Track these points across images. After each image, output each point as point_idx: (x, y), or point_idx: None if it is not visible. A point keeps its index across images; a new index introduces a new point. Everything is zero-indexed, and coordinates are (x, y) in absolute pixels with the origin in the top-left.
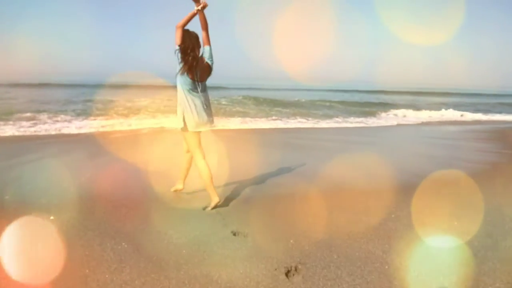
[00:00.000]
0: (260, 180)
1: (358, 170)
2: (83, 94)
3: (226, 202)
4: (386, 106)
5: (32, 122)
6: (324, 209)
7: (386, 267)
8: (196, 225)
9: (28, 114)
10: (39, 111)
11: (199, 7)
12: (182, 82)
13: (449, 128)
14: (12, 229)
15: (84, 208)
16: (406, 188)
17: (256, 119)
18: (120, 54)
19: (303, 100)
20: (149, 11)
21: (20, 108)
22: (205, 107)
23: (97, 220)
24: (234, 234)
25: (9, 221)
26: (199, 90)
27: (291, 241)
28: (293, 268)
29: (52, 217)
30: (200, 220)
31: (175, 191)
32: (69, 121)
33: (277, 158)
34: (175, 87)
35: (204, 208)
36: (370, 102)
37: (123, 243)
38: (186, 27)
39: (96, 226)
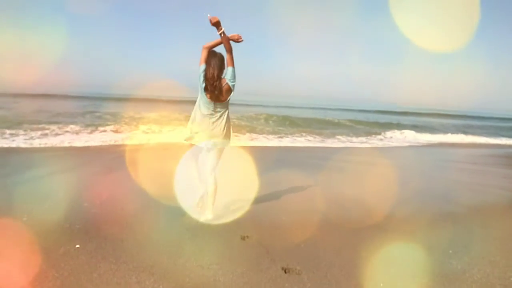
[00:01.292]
0: (288, 204)
1: (390, 195)
2: (92, 106)
3: (263, 231)
4: (397, 126)
5: (42, 133)
6: (374, 238)
7: None
8: (240, 260)
9: (38, 125)
10: (49, 122)
11: (220, 32)
12: (200, 99)
13: (464, 151)
14: (35, 261)
15: (112, 235)
16: (450, 218)
17: (264, 135)
18: (130, 67)
19: (317, 117)
20: (163, 21)
21: (30, 119)
22: (212, 125)
23: (129, 251)
24: (286, 271)
25: (30, 249)
26: (213, 109)
27: (353, 281)
28: None
29: (77, 246)
30: (242, 253)
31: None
32: (79, 133)
33: (297, 179)
34: (182, 101)
35: (244, 238)
36: (379, 122)
37: (164, 282)
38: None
39: (129, 258)
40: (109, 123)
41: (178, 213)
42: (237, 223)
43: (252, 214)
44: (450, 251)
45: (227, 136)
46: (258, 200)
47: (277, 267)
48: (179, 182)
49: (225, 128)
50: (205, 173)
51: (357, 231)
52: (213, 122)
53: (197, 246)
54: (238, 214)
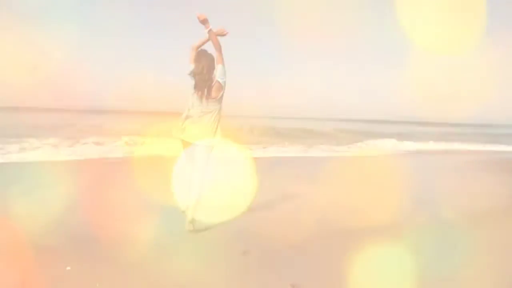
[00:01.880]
0: (283, 215)
1: (384, 202)
2: (72, 119)
3: (263, 244)
4: (379, 135)
5: (20, 146)
6: (380, 248)
7: None
8: (245, 277)
9: (16, 139)
10: (28, 136)
11: (207, 30)
12: (191, 97)
13: (443, 158)
14: (23, 286)
15: (104, 255)
16: (448, 223)
17: (248, 145)
18: (112, 78)
19: (303, 127)
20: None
21: (6, 132)
22: (201, 123)
23: (125, 272)
24: None
25: (16, 274)
26: (203, 107)
27: None
28: None
29: (68, 268)
30: (246, 270)
31: (191, 225)
32: (59, 147)
33: (286, 189)
34: (166, 113)
35: (245, 253)
36: (361, 130)
37: None
38: (203, 48)
39: (126, 280)
40: (90, 135)
41: (173, 228)
42: (235, 237)
43: (248, 227)
44: (455, 257)
45: (215, 134)
46: (251, 212)
47: (285, 283)
48: (171, 195)
49: (214, 126)
50: (195, 173)
51: (361, 241)
52: (202, 119)
53: (197, 264)
54: (234, 228)
